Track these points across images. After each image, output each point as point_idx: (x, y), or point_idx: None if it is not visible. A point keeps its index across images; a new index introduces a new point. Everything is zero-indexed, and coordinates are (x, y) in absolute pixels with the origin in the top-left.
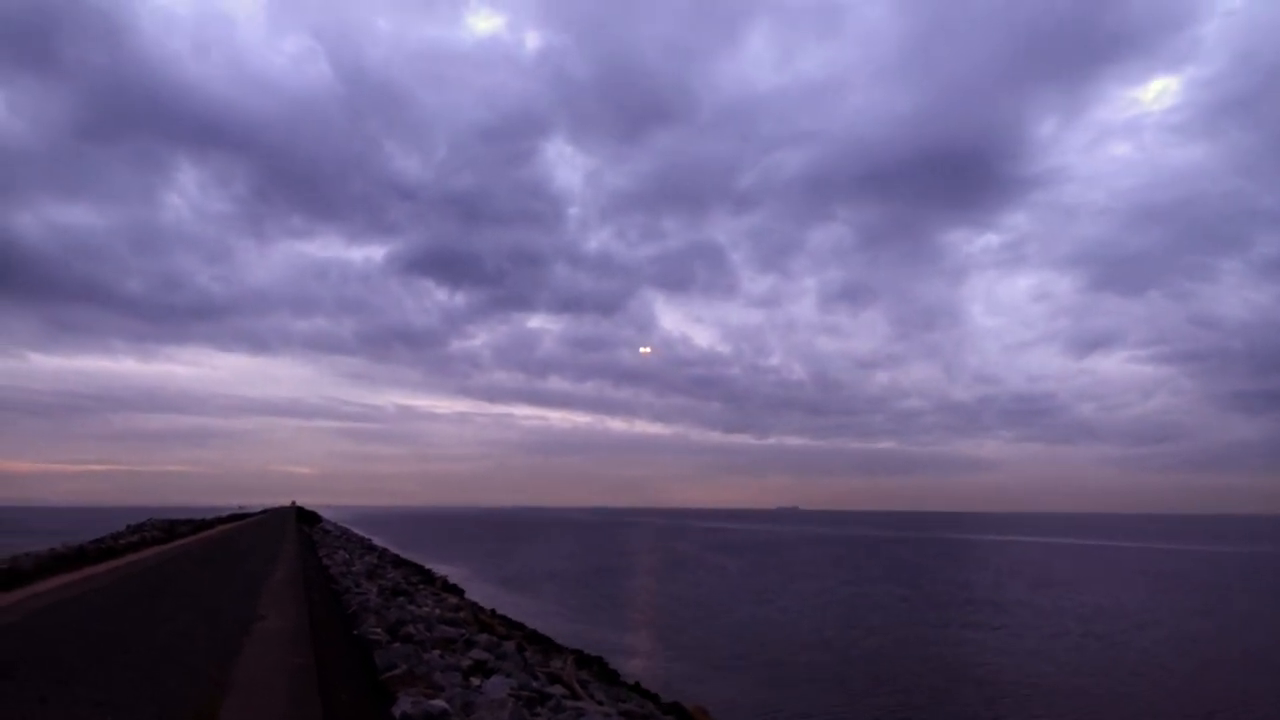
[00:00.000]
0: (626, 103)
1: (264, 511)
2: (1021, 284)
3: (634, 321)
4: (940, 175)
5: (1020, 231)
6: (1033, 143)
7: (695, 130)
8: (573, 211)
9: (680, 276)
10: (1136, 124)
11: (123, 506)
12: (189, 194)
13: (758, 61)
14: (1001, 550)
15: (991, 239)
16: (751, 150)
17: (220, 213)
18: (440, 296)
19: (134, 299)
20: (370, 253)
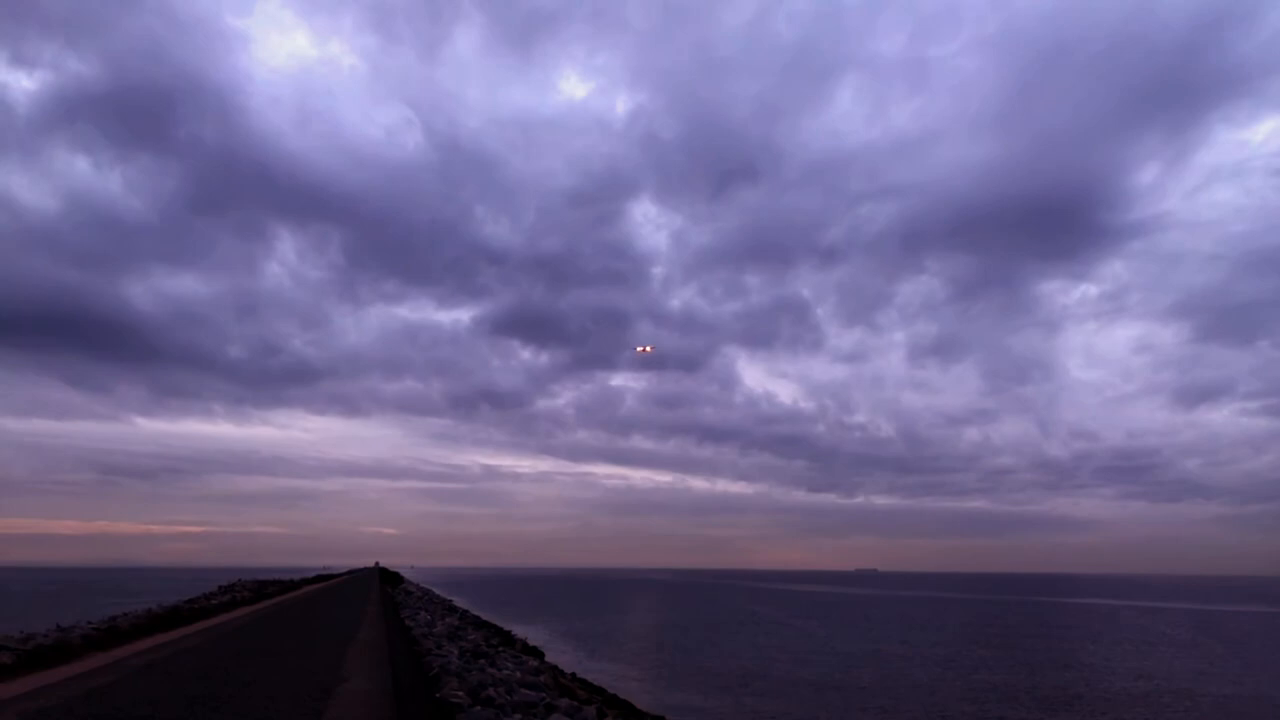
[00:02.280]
0: (713, 161)
1: (349, 572)
2: (1122, 335)
3: (716, 378)
4: (1035, 225)
5: (1120, 281)
6: (1132, 190)
7: (781, 186)
8: (657, 270)
9: (764, 332)
10: (1244, 167)
11: (216, 567)
12: (288, 262)
13: (847, 116)
14: (1102, 615)
15: (1089, 289)
16: (839, 204)
17: (317, 279)
18: (525, 356)
19: (234, 364)
20: (459, 315)
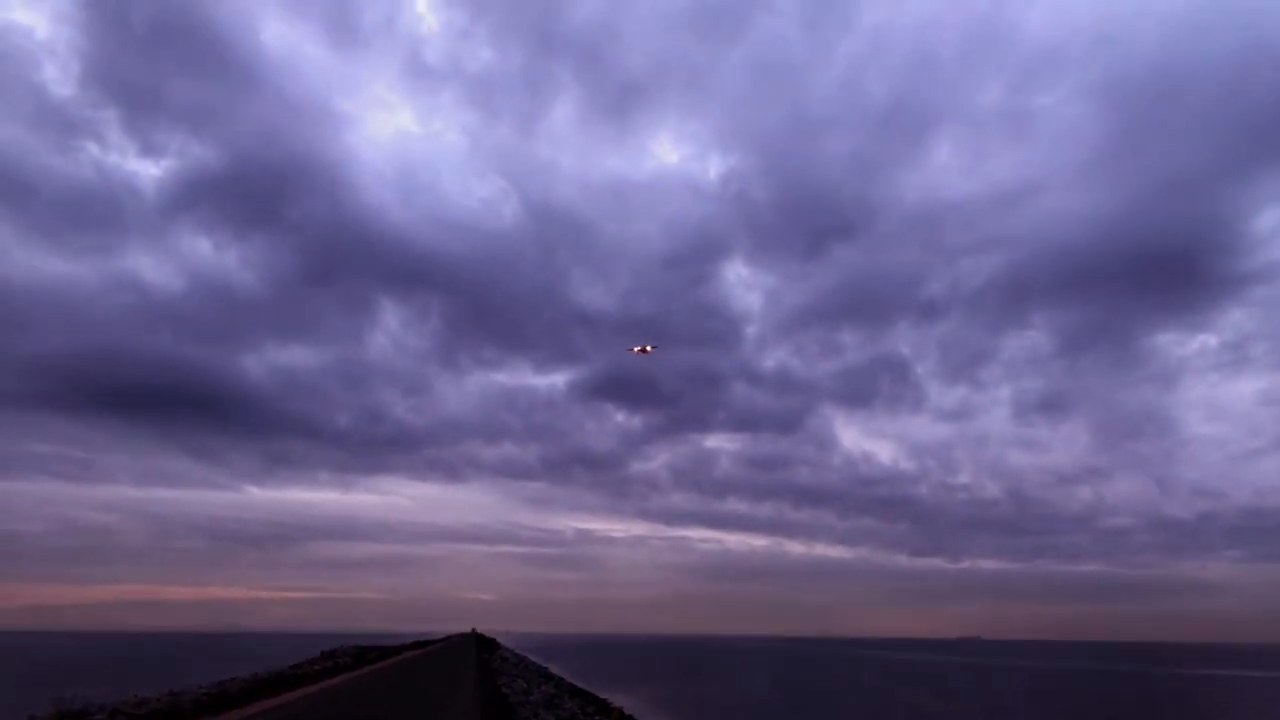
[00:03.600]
0: (806, 220)
1: (446, 638)
2: (1246, 388)
3: (813, 439)
4: (1146, 275)
5: (1242, 331)
6: (1252, 235)
7: (877, 242)
8: (750, 330)
9: (861, 391)
10: None
11: (320, 632)
12: (391, 331)
13: (945, 169)
14: (1236, 688)
15: (1208, 340)
16: (938, 258)
17: (419, 347)
18: (619, 419)
19: (340, 432)
20: (555, 380)
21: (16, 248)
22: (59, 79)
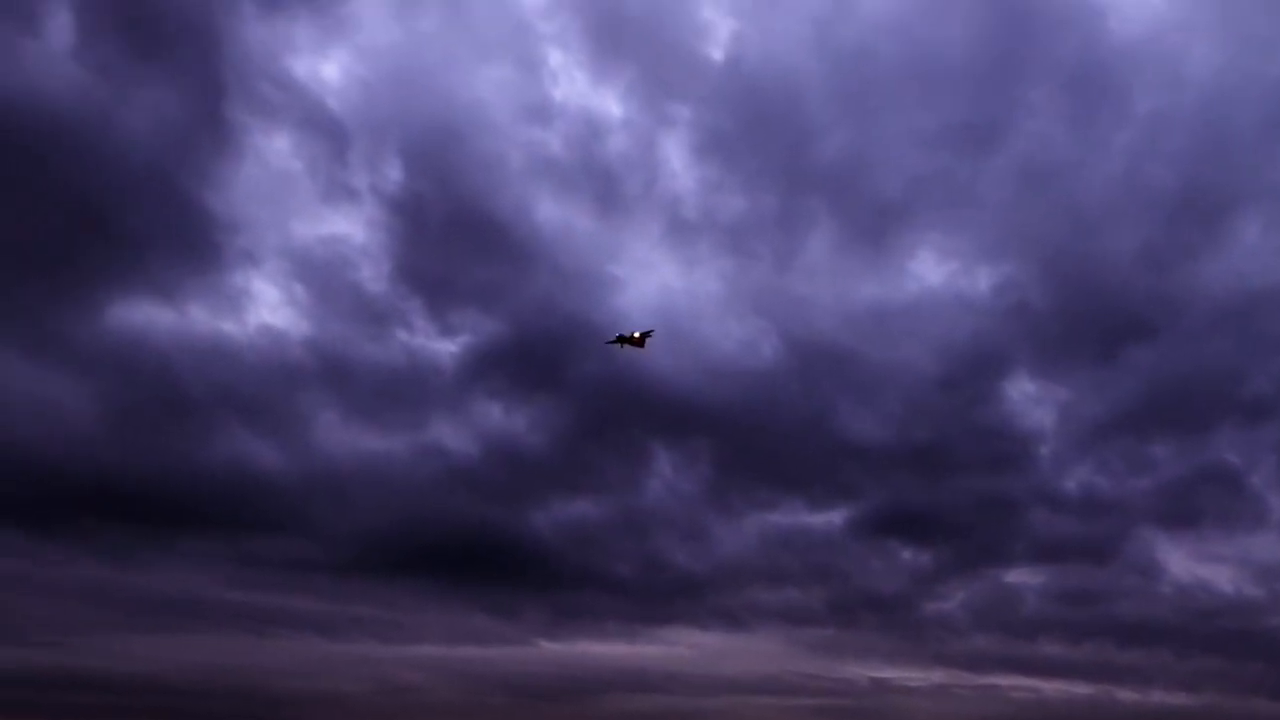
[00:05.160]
0: (1095, 324)
1: None
2: None
3: (1133, 568)
4: None
5: None
6: None
7: (1182, 339)
8: (1044, 450)
9: (1185, 509)
10: None
11: None
12: (666, 478)
13: (1254, 253)
14: None
15: None
16: (1258, 351)
17: (692, 493)
18: (906, 556)
19: (624, 582)
20: (831, 517)
21: (341, 429)
22: (373, 276)
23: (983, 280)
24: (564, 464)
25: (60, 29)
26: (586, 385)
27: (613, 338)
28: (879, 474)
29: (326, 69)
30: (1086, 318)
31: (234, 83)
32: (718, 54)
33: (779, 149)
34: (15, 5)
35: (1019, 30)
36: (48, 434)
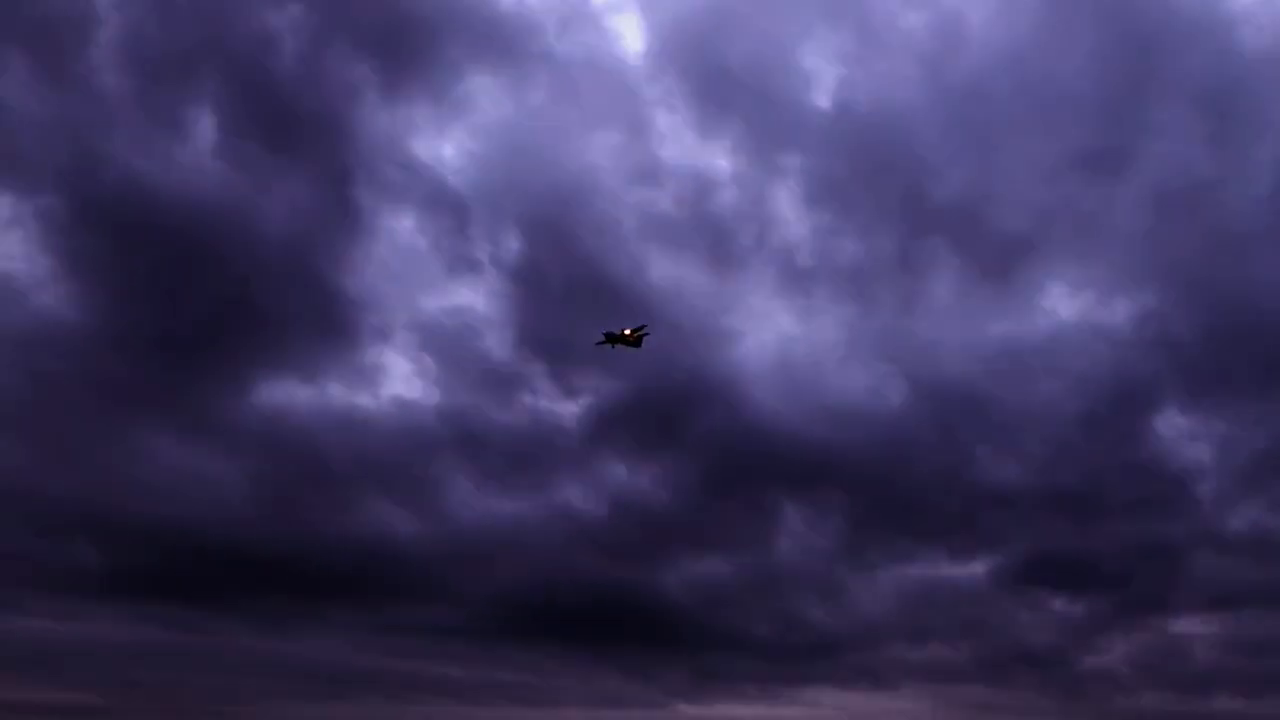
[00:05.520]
0: (1250, 351)
1: None
2: None
3: None
4: None
5: None
6: None
7: None
8: (1204, 488)
9: None
10: None
11: None
12: (797, 533)
13: None
14: None
15: None
16: None
17: (824, 547)
18: (1057, 607)
19: (760, 642)
20: (974, 568)
21: (476, 494)
22: (497, 344)
23: (1120, 311)
24: (692, 521)
25: (204, 131)
26: (710, 440)
27: (601, 338)
28: (1023, 520)
29: (445, 148)
30: (1238, 345)
31: (361, 168)
32: (824, 101)
33: (894, 190)
34: (164, 113)
35: (1142, 50)
36: (203, 510)
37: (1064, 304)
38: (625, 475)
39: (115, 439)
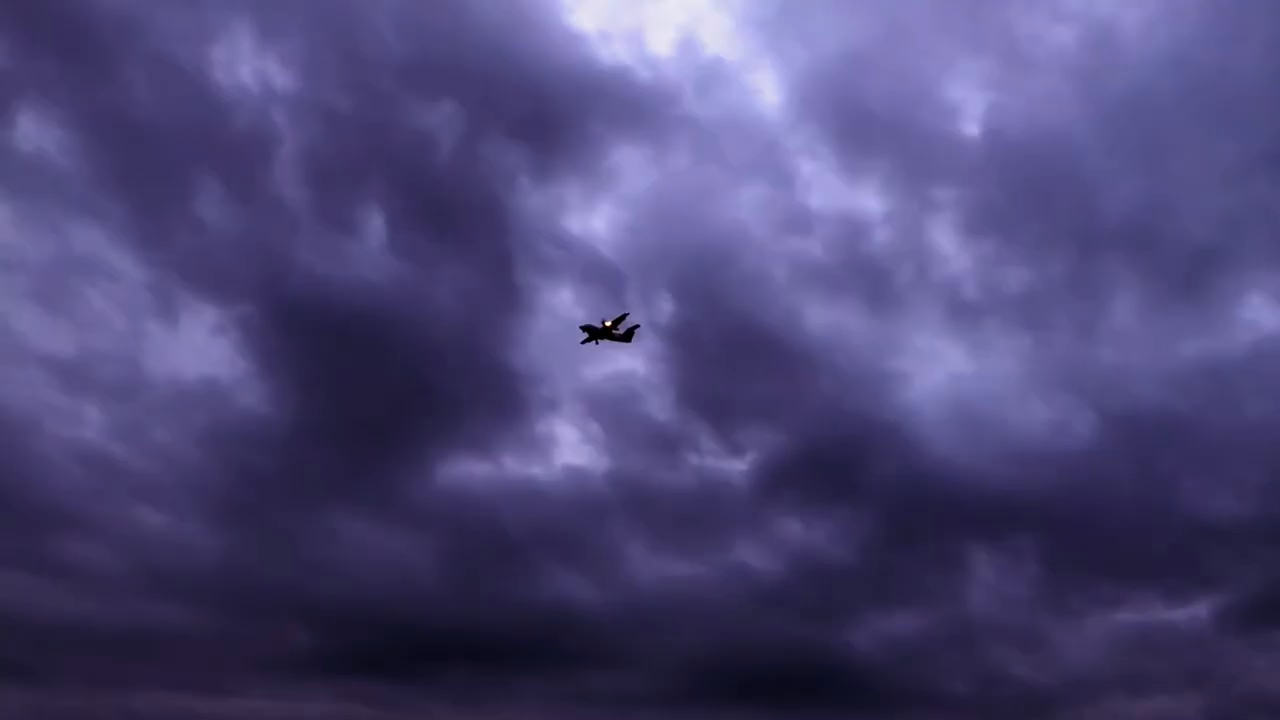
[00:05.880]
0: None
1: None
2: None
3: None
4: None
5: None
6: None
7: None
8: None
9: None
10: None
11: None
12: (988, 581)
13: None
14: None
15: None
16: None
17: (1022, 596)
18: None
19: (959, 700)
20: (1195, 610)
21: (651, 557)
22: (659, 406)
23: None
24: (875, 575)
25: (375, 229)
26: (886, 489)
27: (584, 337)
28: (1246, 554)
29: (595, 221)
30: None
31: (519, 248)
32: (973, 129)
33: (1059, 212)
34: (338, 216)
35: None
36: (395, 587)
37: (1266, 315)
38: (801, 531)
39: (314, 524)
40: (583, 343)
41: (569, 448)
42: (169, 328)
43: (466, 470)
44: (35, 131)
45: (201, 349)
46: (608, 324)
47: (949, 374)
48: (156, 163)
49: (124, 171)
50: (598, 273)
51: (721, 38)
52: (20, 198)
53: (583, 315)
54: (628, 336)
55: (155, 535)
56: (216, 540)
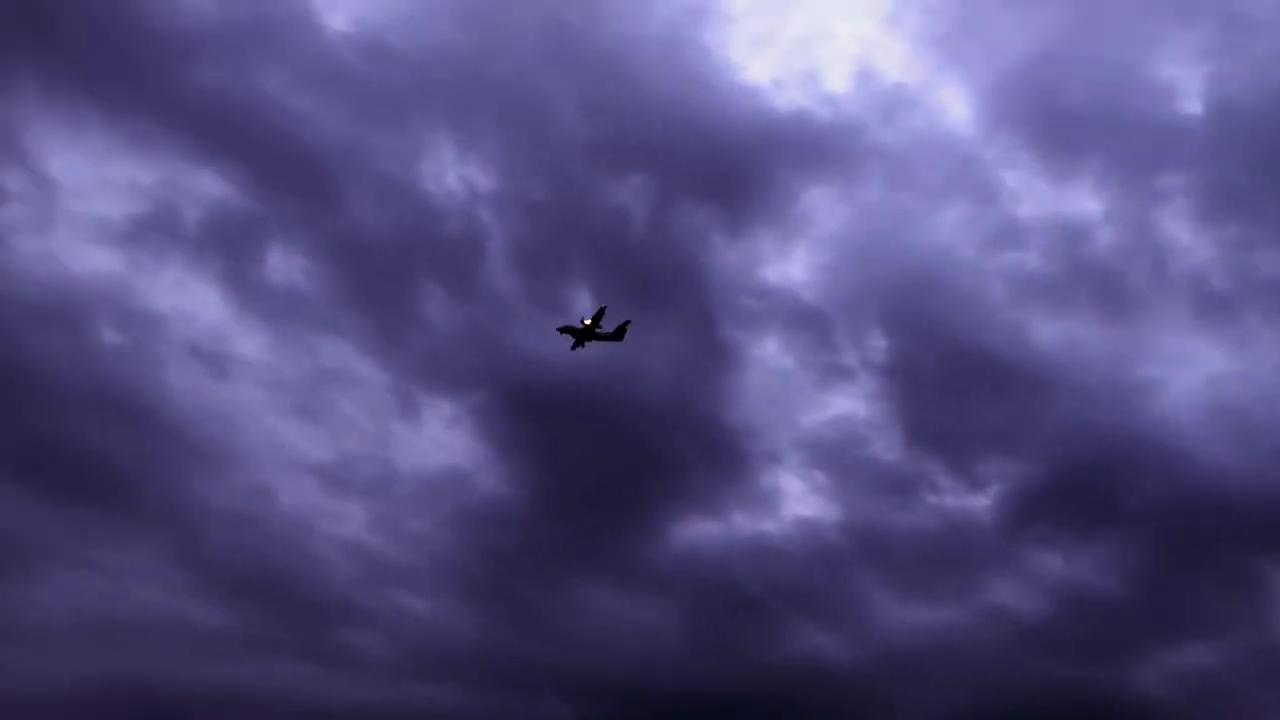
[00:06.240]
0: None
1: None
2: None
3: None
4: None
5: None
6: None
7: None
8: None
9: None
10: None
11: None
12: None
13: None
14: None
15: None
16: None
17: None
18: None
19: None
20: None
21: (897, 605)
22: (886, 446)
23: None
24: (1156, 605)
25: (582, 306)
26: (1154, 509)
27: (571, 342)
28: None
29: (792, 268)
30: None
31: (720, 306)
32: (1193, 106)
33: None
34: (546, 297)
35: None
36: (642, 653)
37: None
38: (1061, 564)
39: (559, 596)
40: (572, 349)
41: (796, 499)
42: (411, 424)
43: (698, 531)
44: (283, 264)
45: (442, 440)
46: (587, 322)
47: (1206, 375)
48: (385, 274)
49: (358, 287)
50: (802, 318)
51: (899, 63)
52: (276, 323)
53: (791, 362)
54: (619, 335)
55: (417, 620)
56: (472, 620)
